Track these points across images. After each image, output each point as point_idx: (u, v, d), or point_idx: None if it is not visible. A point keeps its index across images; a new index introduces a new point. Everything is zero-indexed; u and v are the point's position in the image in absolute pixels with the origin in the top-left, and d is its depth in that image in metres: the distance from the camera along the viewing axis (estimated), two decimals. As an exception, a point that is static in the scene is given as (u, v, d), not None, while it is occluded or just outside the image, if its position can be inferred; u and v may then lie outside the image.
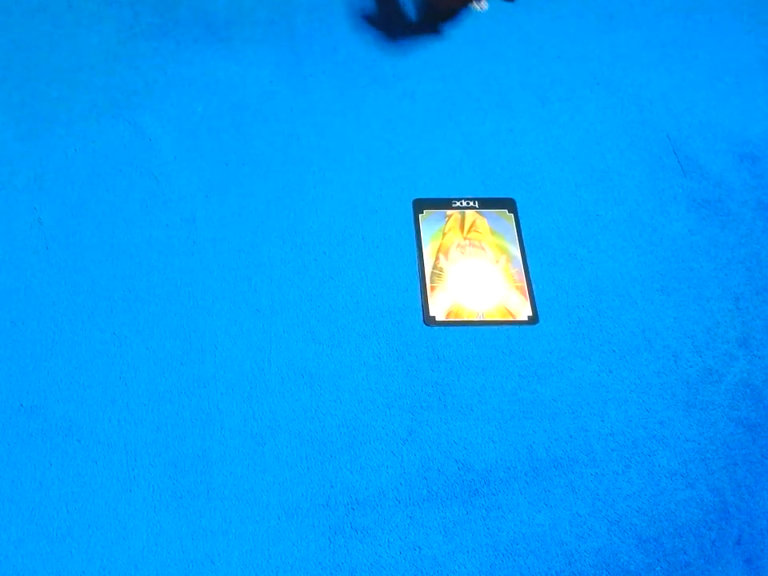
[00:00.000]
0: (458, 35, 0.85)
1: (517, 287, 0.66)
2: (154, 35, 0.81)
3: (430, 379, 0.61)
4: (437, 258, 0.67)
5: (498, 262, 0.67)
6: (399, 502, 0.56)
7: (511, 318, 0.64)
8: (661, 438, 0.59)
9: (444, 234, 0.69)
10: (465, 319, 0.64)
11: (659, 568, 0.54)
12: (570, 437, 0.59)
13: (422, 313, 0.64)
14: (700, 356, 0.63)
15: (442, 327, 0.64)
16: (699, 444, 0.59)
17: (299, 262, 0.67)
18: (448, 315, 0.64)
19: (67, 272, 0.65)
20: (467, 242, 0.69)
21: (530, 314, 0.65)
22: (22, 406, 0.58)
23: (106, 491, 0.55)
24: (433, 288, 0.65)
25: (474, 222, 0.69)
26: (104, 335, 0.62)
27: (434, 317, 0.64)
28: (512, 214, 0.70)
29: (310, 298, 0.65)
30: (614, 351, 0.63)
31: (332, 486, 0.56)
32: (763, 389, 0.62)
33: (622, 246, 0.69)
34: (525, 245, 0.69)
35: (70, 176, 0.71)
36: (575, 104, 0.80)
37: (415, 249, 0.68)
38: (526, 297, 0.66)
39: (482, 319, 0.64)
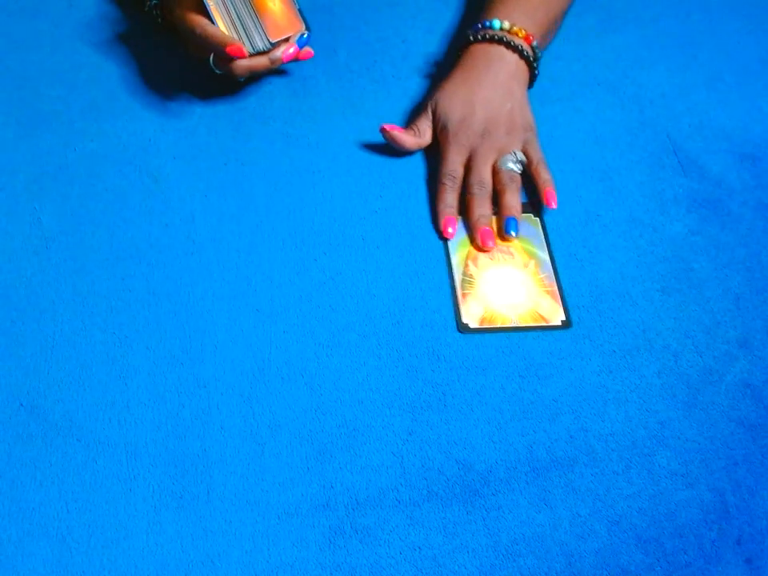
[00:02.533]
0: (458, 34, 0.85)
1: (547, 291, 0.66)
2: (153, 34, 0.81)
3: (430, 379, 0.61)
4: (466, 265, 0.67)
5: (526, 266, 0.67)
6: (399, 502, 0.56)
7: (545, 323, 0.64)
8: (661, 438, 0.59)
9: (471, 241, 0.69)
10: (499, 326, 0.64)
11: (659, 568, 0.54)
12: (571, 437, 0.59)
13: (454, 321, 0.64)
14: (700, 356, 0.63)
15: (476, 335, 0.63)
16: (699, 444, 0.59)
17: (299, 262, 0.67)
18: (482, 322, 0.63)
19: (67, 272, 0.65)
20: (495, 247, 0.68)
21: (564, 318, 0.64)
22: (21, 405, 0.58)
23: (106, 491, 0.55)
24: (464, 295, 0.65)
25: (499, 227, 0.69)
26: (104, 335, 0.62)
27: (468, 324, 0.63)
28: (538, 218, 0.70)
29: (310, 299, 0.65)
30: (614, 351, 0.63)
31: (332, 487, 0.56)
32: (763, 389, 0.62)
33: (622, 245, 0.69)
34: (552, 248, 0.68)
35: (69, 176, 0.71)
36: (575, 104, 0.80)
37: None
38: (557, 301, 0.65)
39: (515, 325, 0.64)
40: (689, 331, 0.65)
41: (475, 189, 0.69)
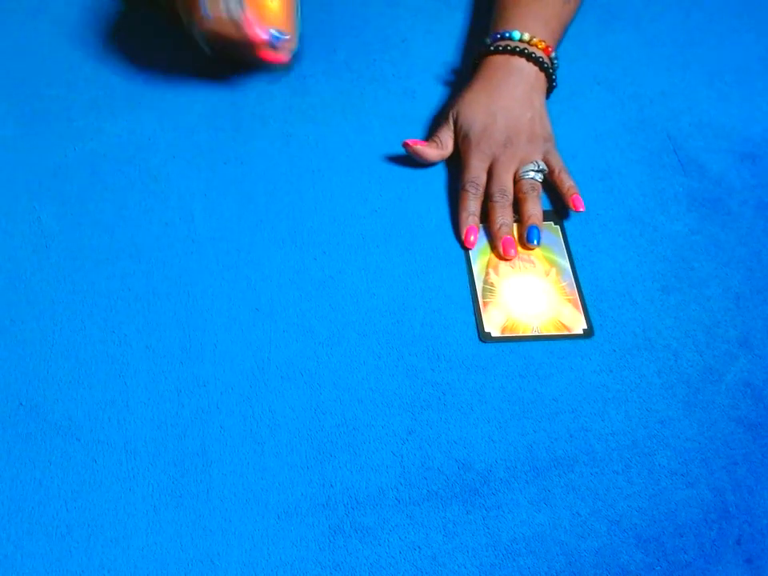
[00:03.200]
0: (458, 34, 0.85)
1: (569, 300, 0.65)
2: (153, 34, 0.81)
3: (429, 379, 0.61)
4: (487, 274, 0.66)
5: (547, 275, 0.67)
6: (399, 501, 0.56)
7: (566, 332, 0.64)
8: (661, 437, 0.59)
9: (492, 249, 0.68)
10: (521, 334, 0.63)
11: (659, 568, 0.54)
12: (571, 436, 0.59)
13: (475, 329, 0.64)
14: (700, 355, 0.63)
15: (497, 344, 0.63)
16: (699, 444, 0.59)
17: (299, 262, 0.67)
18: (503, 331, 0.63)
19: (67, 271, 0.65)
20: (517, 255, 0.68)
21: (585, 327, 0.64)
22: (21, 405, 0.58)
23: (105, 491, 0.55)
24: (486, 304, 0.65)
25: (521, 235, 0.69)
26: (104, 335, 0.62)
27: (490, 333, 0.63)
28: (558, 226, 0.70)
29: (310, 298, 0.65)
30: (614, 351, 0.63)
31: (332, 486, 0.56)
32: (763, 389, 0.62)
33: (622, 245, 0.69)
34: (573, 257, 0.68)
35: (69, 176, 0.71)
36: (575, 104, 0.80)
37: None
38: (579, 310, 0.65)
39: (537, 334, 0.63)
40: (689, 330, 0.65)
41: (497, 197, 0.69)
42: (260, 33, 0.69)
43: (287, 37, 0.71)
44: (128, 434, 0.57)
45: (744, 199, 0.73)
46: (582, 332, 0.64)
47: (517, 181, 0.71)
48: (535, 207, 0.69)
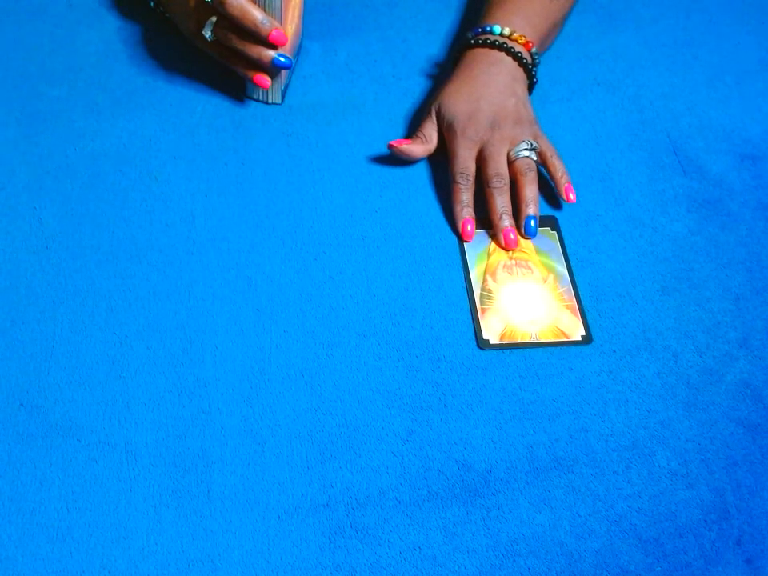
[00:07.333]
0: (458, 36, 0.85)
1: (567, 306, 0.65)
2: (153, 34, 0.81)
3: (430, 380, 0.61)
4: (485, 280, 0.66)
5: (545, 281, 0.66)
6: (399, 502, 0.56)
7: (565, 339, 0.63)
8: (661, 438, 0.59)
9: (489, 255, 0.68)
10: (519, 341, 0.63)
11: (659, 568, 0.54)
12: (571, 437, 0.59)
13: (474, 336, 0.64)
14: (700, 356, 0.63)
15: (496, 351, 0.63)
16: (699, 444, 0.59)
17: (299, 262, 0.67)
18: (502, 338, 0.63)
19: (67, 272, 0.65)
20: (513, 261, 0.68)
21: (584, 333, 0.64)
22: (22, 405, 0.58)
23: (106, 491, 0.55)
24: (484, 311, 0.64)
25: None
26: (104, 335, 0.62)
27: (488, 340, 0.63)
28: (555, 232, 0.70)
29: (310, 298, 0.65)
30: (614, 351, 0.63)
31: (332, 486, 0.56)
32: (763, 389, 0.62)
33: (622, 245, 0.70)
34: (573, 258, 0.68)
35: (69, 176, 0.71)
36: (575, 104, 0.80)
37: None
38: (577, 316, 0.65)
39: (536, 341, 0.63)
40: (689, 331, 0.65)
41: (494, 182, 0.69)
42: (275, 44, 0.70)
43: (288, 61, 0.72)
44: (128, 435, 0.57)
45: (744, 200, 0.73)
46: (580, 338, 0.63)
47: (511, 162, 0.70)
48: (533, 191, 0.69)
